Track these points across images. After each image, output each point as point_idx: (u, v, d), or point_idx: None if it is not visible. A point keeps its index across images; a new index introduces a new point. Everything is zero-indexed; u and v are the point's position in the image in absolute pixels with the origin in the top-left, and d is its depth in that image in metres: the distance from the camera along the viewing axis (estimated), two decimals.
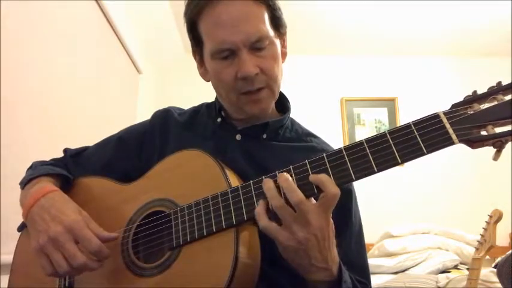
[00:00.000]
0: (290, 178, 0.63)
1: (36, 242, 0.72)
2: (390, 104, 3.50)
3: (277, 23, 0.84)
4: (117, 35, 2.42)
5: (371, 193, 3.09)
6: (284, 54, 0.88)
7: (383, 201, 3.20)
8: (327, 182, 0.62)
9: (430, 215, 3.05)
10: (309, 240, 0.62)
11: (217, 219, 0.68)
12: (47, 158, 1.01)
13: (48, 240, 0.71)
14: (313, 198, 0.64)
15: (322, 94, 3.55)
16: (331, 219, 0.64)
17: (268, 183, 0.65)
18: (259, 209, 0.65)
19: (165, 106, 1.02)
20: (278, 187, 0.64)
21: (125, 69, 2.71)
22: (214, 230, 0.68)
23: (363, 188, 2.60)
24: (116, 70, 2.53)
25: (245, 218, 0.67)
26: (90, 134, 1.32)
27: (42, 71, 1.59)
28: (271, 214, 0.65)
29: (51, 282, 0.82)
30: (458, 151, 3.20)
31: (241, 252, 0.65)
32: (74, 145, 1.04)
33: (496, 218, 1.56)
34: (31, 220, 0.76)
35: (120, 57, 2.59)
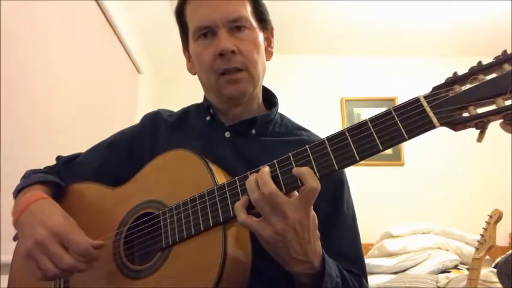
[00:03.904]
0: (267, 171, 0.64)
1: (23, 247, 0.73)
2: (390, 104, 3.49)
3: (261, 17, 0.88)
4: (117, 35, 2.43)
5: (371, 193, 3.10)
6: (270, 54, 0.91)
7: (383, 201, 3.19)
8: (308, 175, 0.61)
9: (430, 215, 3.05)
10: (287, 232, 0.62)
11: (205, 218, 0.69)
12: (47, 158, 1.01)
13: (34, 243, 0.71)
14: (296, 191, 0.64)
15: (322, 94, 3.55)
16: (313, 212, 0.64)
17: (250, 177, 0.65)
18: (238, 204, 0.65)
19: (165, 106, 1.02)
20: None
21: (125, 69, 2.71)
22: (202, 228, 0.68)
23: (363, 188, 2.60)
24: (116, 70, 2.53)
25: (231, 215, 0.67)
26: (90, 133, 1.32)
27: (42, 71, 1.59)
28: (252, 209, 0.65)
29: (47, 287, 0.82)
30: (459, 151, 3.20)
31: (229, 248, 0.65)
32: (75, 145, 1.05)
33: (496, 218, 1.57)
34: (20, 226, 0.77)
35: (120, 57, 2.59)
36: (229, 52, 0.80)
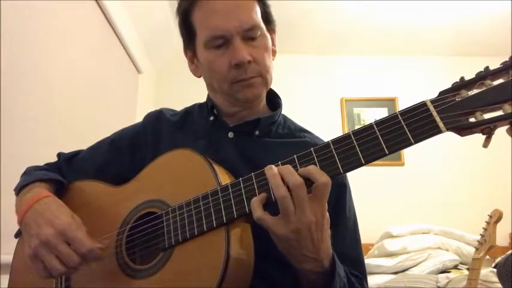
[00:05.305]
0: (290, 166, 0.63)
1: (28, 247, 0.73)
2: (390, 104, 3.49)
3: (268, 19, 0.87)
4: (117, 35, 2.43)
5: (371, 193, 3.10)
6: (274, 53, 0.90)
7: (383, 201, 3.19)
8: (316, 172, 0.62)
9: (430, 215, 3.05)
10: (302, 231, 0.62)
11: (208, 219, 0.68)
12: (47, 158, 1.01)
13: (40, 243, 0.71)
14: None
15: (322, 94, 3.55)
16: (327, 212, 0.64)
17: (272, 170, 0.64)
18: (256, 199, 0.64)
19: (165, 106, 1.02)
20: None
21: (125, 69, 2.71)
22: (205, 229, 0.68)
23: (363, 188, 2.60)
24: (116, 70, 2.53)
25: (235, 216, 0.66)
26: (90, 133, 1.32)
27: (42, 71, 1.59)
28: (266, 207, 0.65)
29: (48, 286, 0.82)
30: (459, 151, 3.18)
31: (232, 249, 0.65)
32: (74, 144, 1.04)
33: (496, 218, 1.57)
34: (25, 226, 0.77)
35: (120, 57, 2.59)
36: (246, 63, 0.79)
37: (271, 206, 0.64)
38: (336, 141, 0.64)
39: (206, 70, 0.86)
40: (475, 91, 0.56)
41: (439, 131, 0.56)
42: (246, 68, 0.80)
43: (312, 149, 0.65)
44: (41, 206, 0.77)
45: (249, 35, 0.81)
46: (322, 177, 0.61)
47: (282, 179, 0.63)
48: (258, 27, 0.82)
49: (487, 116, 0.54)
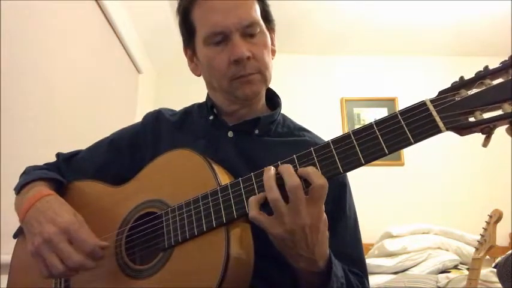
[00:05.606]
0: (291, 166, 0.63)
1: (31, 245, 0.73)
2: (390, 104, 3.50)
3: (268, 17, 0.88)
4: (117, 35, 2.43)
5: (371, 193, 3.10)
6: (273, 52, 0.90)
7: (383, 201, 3.19)
8: (314, 173, 0.61)
9: (430, 215, 3.05)
10: (297, 232, 0.61)
11: (208, 219, 0.68)
12: (47, 158, 1.01)
13: (42, 241, 0.71)
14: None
15: (322, 94, 3.55)
16: (324, 214, 0.64)
17: (268, 172, 0.64)
18: (253, 199, 0.64)
19: (165, 106, 1.02)
20: (277, 179, 0.63)
21: (125, 69, 2.71)
22: (205, 229, 0.68)
23: (363, 188, 2.60)
24: (116, 70, 2.53)
25: (235, 216, 0.66)
26: (90, 133, 1.32)
27: (42, 71, 1.59)
28: (263, 207, 0.65)
29: (47, 286, 0.82)
30: (459, 151, 3.18)
31: (232, 249, 0.65)
32: (75, 144, 1.04)
33: (496, 218, 1.57)
34: (27, 224, 0.77)
35: (120, 57, 2.59)
36: (244, 59, 0.80)
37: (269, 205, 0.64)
38: (336, 141, 0.63)
39: (205, 68, 0.86)
40: (474, 90, 0.56)
41: (439, 131, 0.56)
42: (245, 64, 0.80)
43: (311, 148, 0.65)
44: (43, 204, 0.77)
45: (248, 32, 0.81)
46: (319, 180, 0.61)
47: (281, 178, 0.62)
48: (257, 24, 0.82)
49: (487, 115, 0.54)
